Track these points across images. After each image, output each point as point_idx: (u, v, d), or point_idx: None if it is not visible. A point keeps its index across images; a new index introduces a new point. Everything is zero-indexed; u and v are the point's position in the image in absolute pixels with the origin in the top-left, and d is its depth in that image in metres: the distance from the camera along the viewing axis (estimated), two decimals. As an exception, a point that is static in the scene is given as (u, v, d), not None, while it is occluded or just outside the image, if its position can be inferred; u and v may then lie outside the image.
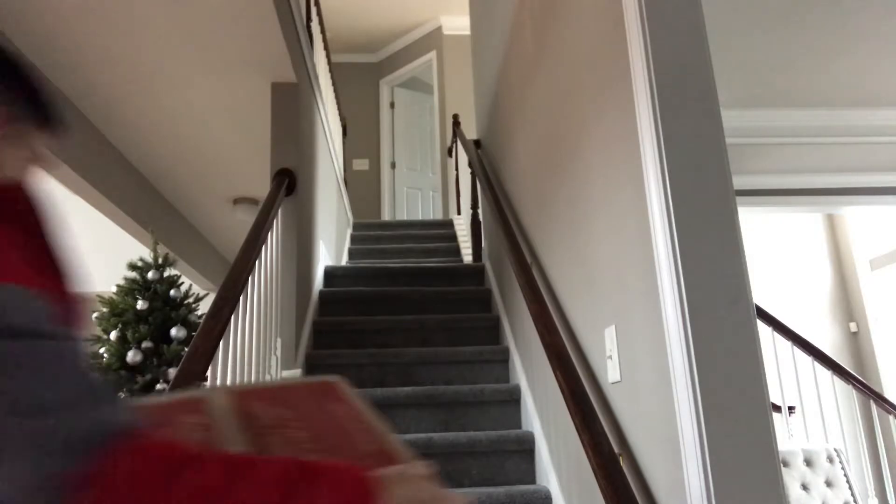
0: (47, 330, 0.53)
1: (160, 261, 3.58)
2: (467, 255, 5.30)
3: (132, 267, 3.56)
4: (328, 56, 5.00)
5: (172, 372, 3.30)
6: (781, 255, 5.81)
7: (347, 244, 5.51)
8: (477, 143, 4.26)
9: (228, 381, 1.93)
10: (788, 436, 3.92)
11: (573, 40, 1.93)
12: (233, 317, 1.98)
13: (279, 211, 2.81)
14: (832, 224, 5.99)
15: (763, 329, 4.11)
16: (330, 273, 4.02)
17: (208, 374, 1.76)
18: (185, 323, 3.47)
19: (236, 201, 4.79)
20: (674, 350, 1.27)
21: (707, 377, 1.20)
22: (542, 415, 2.45)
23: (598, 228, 1.74)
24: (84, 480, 0.48)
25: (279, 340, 2.78)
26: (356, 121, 7.49)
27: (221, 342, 1.83)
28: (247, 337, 2.18)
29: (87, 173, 3.48)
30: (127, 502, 0.48)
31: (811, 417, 5.11)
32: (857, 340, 5.67)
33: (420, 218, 7.19)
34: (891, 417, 4.08)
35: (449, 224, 6.00)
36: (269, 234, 2.62)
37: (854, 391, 4.00)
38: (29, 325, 0.52)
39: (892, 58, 2.86)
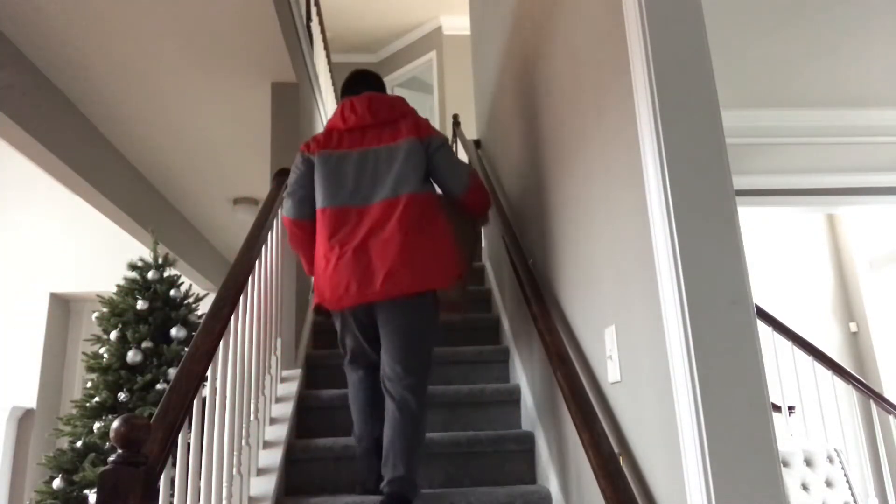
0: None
1: (160, 261, 3.58)
2: (467, 255, 5.29)
3: (132, 267, 3.55)
4: (328, 56, 5.00)
5: (172, 372, 3.30)
6: (781, 255, 5.81)
7: (347, 244, 5.50)
8: (477, 143, 4.26)
9: (229, 381, 1.93)
10: (788, 436, 3.92)
11: (573, 40, 1.93)
12: (233, 317, 1.98)
13: (279, 211, 2.81)
14: (832, 224, 5.99)
15: (763, 329, 4.12)
16: (330, 273, 4.01)
17: (208, 373, 1.77)
18: (185, 323, 3.47)
19: (236, 201, 4.79)
20: (674, 350, 1.27)
21: (707, 377, 1.21)
22: (541, 415, 2.45)
23: (598, 228, 1.74)
24: (471, 178, 2.26)
25: (279, 340, 2.78)
26: (356, 121, 7.47)
27: (221, 342, 1.84)
28: (247, 337, 2.18)
29: (88, 173, 3.48)
30: (477, 187, 2.28)
31: (811, 417, 5.11)
32: (857, 340, 5.67)
33: (420, 218, 7.18)
34: (891, 417, 4.08)
35: (449, 224, 5.98)
36: (269, 234, 2.62)
37: (854, 391, 4.00)
38: (445, 140, 2.27)
39: (892, 58, 2.86)
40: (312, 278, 2.38)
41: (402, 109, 2.26)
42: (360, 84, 2.35)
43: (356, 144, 2.19)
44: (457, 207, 2.35)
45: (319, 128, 4.14)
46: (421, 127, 2.22)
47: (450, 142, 2.76)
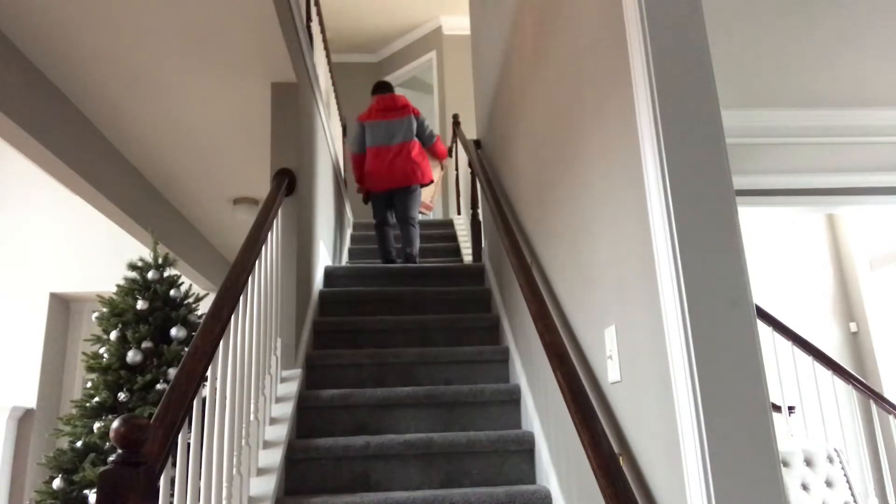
0: None
1: (160, 261, 3.58)
2: (467, 255, 5.30)
3: (132, 267, 3.55)
4: (328, 56, 5.00)
5: (172, 372, 3.30)
6: (781, 255, 5.81)
7: (347, 244, 5.52)
8: (477, 143, 4.26)
9: (229, 381, 1.93)
10: (788, 436, 3.92)
11: (573, 40, 1.93)
12: (233, 317, 1.98)
13: (279, 211, 2.81)
14: (832, 224, 5.99)
15: (763, 329, 4.11)
16: (330, 273, 4.02)
17: (208, 373, 1.77)
18: (185, 323, 3.47)
19: (236, 201, 4.79)
20: (674, 350, 1.27)
21: (707, 377, 1.21)
22: (542, 415, 2.45)
23: (598, 228, 1.74)
24: (435, 138, 4.95)
25: (279, 340, 2.78)
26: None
27: (221, 342, 1.84)
28: (247, 337, 2.18)
29: (88, 174, 3.48)
30: (436, 144, 4.92)
31: (811, 417, 5.11)
32: (857, 340, 5.67)
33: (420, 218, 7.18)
34: (891, 417, 4.08)
35: (449, 224, 6.01)
36: (269, 234, 2.62)
37: (854, 391, 4.00)
38: (424, 118, 5.07)
39: (892, 57, 2.86)
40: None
41: (406, 103, 4.71)
42: (385, 88, 4.79)
43: (384, 118, 4.64)
44: (430, 152, 4.80)
45: (320, 128, 4.17)
46: (414, 112, 4.70)
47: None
